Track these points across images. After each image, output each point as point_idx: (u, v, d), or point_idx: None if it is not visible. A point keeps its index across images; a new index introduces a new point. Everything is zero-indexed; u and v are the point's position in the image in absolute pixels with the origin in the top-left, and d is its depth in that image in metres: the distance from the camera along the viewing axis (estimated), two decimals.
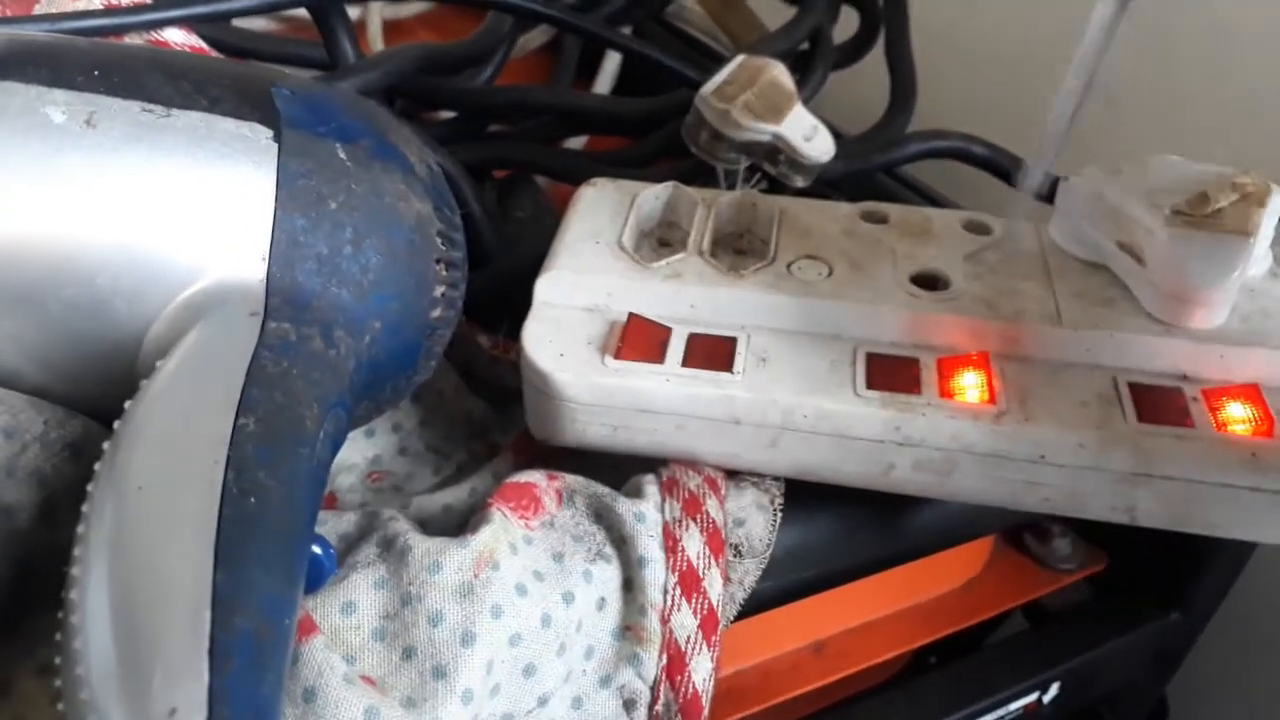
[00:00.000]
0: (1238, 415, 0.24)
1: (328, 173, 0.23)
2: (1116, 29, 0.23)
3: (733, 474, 0.27)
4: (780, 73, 0.37)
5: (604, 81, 0.49)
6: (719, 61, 0.46)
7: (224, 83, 0.24)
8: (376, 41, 0.53)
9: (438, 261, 0.25)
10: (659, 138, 0.40)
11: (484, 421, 0.32)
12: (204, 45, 0.31)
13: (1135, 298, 0.27)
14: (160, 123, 0.22)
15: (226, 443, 0.19)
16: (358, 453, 0.30)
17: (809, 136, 0.35)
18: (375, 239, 0.24)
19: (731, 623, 0.25)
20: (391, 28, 0.56)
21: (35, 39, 0.23)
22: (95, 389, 0.23)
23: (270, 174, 0.23)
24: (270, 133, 0.23)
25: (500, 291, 0.34)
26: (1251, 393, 0.24)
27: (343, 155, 0.24)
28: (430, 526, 0.27)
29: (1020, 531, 0.40)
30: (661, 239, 0.31)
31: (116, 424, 0.20)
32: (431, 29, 0.58)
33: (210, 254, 0.22)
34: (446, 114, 0.43)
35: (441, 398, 0.31)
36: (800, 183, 0.36)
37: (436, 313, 0.25)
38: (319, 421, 0.21)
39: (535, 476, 0.25)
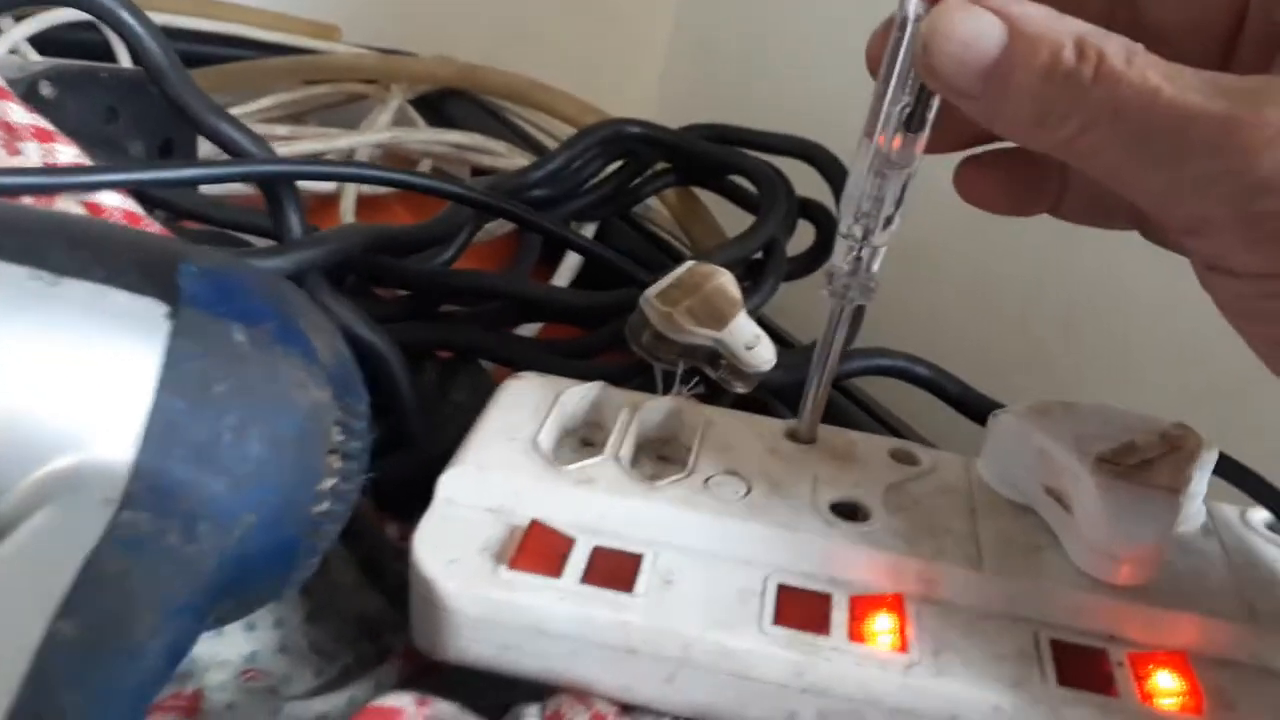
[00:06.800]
0: (1165, 687, 0.22)
1: (220, 355, 0.22)
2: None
3: (628, 709, 0.25)
4: (727, 280, 0.37)
5: (565, 271, 0.49)
6: (680, 260, 0.46)
7: (128, 254, 0.23)
8: (349, 216, 0.54)
9: (331, 452, 0.24)
10: (607, 331, 0.40)
11: (379, 621, 0.30)
12: (138, 210, 0.30)
13: (1062, 547, 0.25)
14: (46, 291, 0.21)
15: (31, 653, 0.17)
16: (233, 648, 0.27)
17: (750, 345, 0.35)
18: (261, 427, 0.22)
19: None
20: (368, 203, 0.57)
21: None
22: None
23: (157, 353, 0.22)
24: (166, 309, 0.22)
25: (418, 478, 0.32)
26: (1179, 662, 0.23)
27: (241, 338, 0.23)
28: None
29: None
30: (585, 439, 0.30)
31: None
32: (407, 206, 0.59)
33: (77, 432, 0.21)
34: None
35: (335, 592, 0.29)
36: (740, 389, 0.36)
37: (323, 507, 0.24)
38: (155, 628, 0.19)
39: (403, 701, 0.23)
